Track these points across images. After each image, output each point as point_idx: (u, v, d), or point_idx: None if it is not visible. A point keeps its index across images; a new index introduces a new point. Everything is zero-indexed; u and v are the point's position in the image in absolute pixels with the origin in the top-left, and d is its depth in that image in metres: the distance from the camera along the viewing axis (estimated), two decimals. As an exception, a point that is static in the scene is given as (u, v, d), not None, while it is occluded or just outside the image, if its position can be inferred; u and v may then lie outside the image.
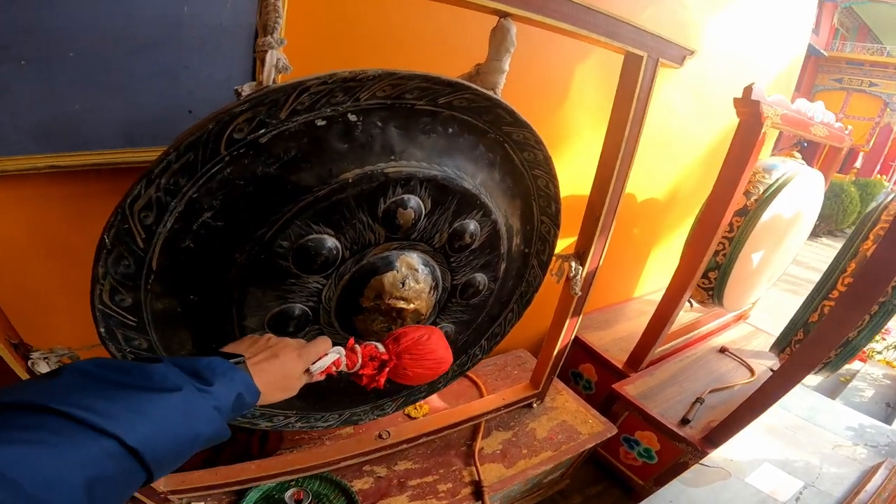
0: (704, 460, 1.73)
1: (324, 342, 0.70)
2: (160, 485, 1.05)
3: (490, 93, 0.79)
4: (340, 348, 0.73)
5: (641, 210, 2.33)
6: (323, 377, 0.70)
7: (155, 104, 0.94)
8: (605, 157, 1.08)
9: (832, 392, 3.35)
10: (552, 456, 1.46)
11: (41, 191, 0.92)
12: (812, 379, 3.32)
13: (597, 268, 1.25)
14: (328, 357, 0.69)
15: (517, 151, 0.90)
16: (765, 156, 2.11)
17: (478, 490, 1.31)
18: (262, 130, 0.64)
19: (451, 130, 0.80)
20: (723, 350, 2.25)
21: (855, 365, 3.81)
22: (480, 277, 0.99)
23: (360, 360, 0.74)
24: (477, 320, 1.12)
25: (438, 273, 0.92)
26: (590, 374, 2.14)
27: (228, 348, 0.62)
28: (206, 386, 0.47)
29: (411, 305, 0.86)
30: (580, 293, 1.26)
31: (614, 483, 1.98)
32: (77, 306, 0.86)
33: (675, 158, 2.30)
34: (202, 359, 0.51)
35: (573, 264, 1.20)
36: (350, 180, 0.70)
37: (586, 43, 0.89)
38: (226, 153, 0.63)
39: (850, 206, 8.65)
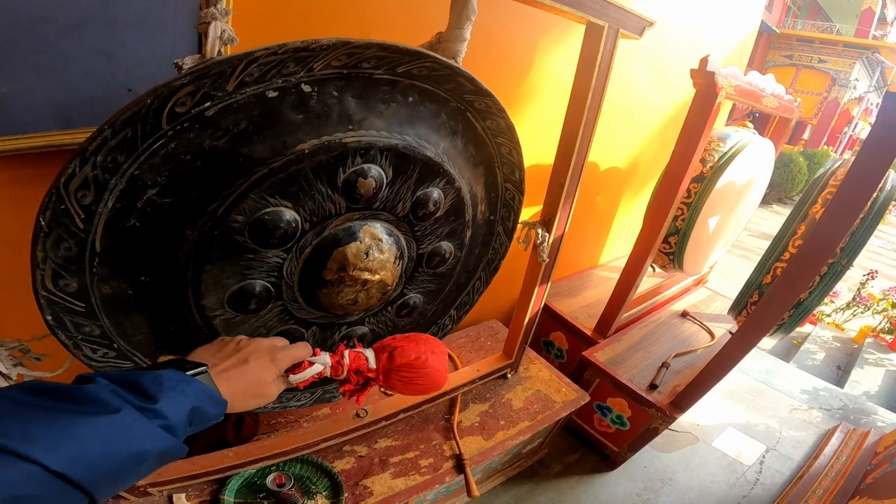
0: (673, 425, 1.81)
1: (303, 347, 0.68)
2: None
3: (450, 61, 0.77)
4: (326, 358, 0.70)
5: (604, 179, 2.37)
6: (302, 388, 0.67)
7: (90, 84, 0.88)
8: (567, 124, 1.08)
9: (786, 355, 3.55)
10: (529, 426, 1.49)
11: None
12: (767, 342, 3.51)
13: (563, 234, 1.27)
14: (312, 369, 0.68)
15: (480, 120, 0.90)
16: (719, 126, 2.18)
17: (459, 463, 1.32)
18: (208, 103, 0.61)
19: (411, 99, 0.78)
20: (684, 314, 2.34)
21: (806, 328, 4.05)
22: (446, 245, 0.99)
23: (344, 374, 0.72)
24: (445, 289, 1.12)
25: (403, 242, 0.91)
26: (560, 343, 2.19)
27: (194, 355, 0.60)
28: (149, 403, 0.45)
29: (376, 276, 0.85)
30: (547, 260, 1.28)
31: (591, 450, 2.05)
32: (20, 297, 0.80)
33: (636, 128, 2.34)
34: (148, 373, 0.48)
35: (540, 231, 1.21)
36: (306, 151, 0.68)
37: (549, 13, 0.89)
38: (168, 128, 0.60)
39: (798, 175, 9.16)
